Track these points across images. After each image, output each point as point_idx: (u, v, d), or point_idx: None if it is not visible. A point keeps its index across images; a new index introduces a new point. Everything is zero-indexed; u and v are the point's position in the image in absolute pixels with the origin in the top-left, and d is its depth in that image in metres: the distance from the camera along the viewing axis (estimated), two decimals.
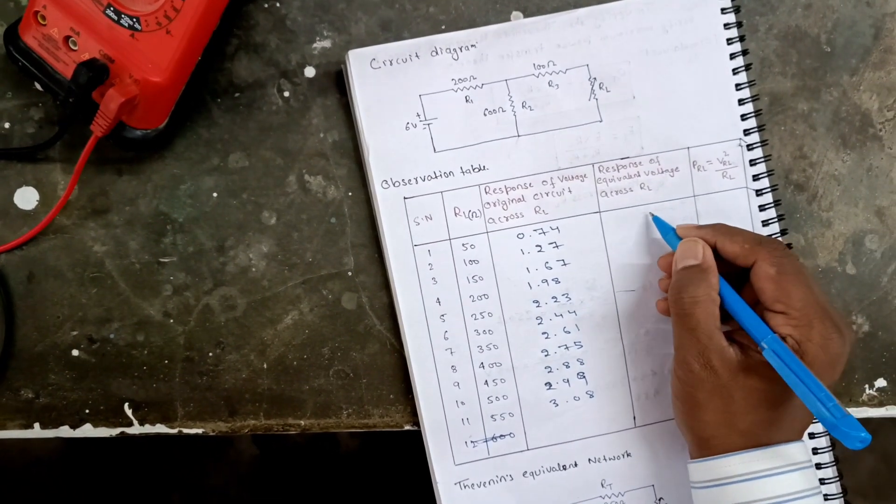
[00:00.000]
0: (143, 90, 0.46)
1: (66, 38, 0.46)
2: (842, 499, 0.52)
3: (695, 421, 0.46)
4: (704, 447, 0.46)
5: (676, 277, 0.47)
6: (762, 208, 0.52)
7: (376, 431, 0.52)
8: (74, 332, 0.51)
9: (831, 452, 0.52)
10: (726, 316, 0.46)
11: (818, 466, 0.52)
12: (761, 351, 0.44)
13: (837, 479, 0.52)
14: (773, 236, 0.52)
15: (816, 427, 0.52)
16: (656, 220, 0.51)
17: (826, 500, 0.52)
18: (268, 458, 1.22)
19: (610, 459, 0.52)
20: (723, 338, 0.45)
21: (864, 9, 0.53)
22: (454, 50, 0.50)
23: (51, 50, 0.47)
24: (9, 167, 0.50)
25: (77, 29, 0.45)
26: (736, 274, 0.47)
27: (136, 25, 0.45)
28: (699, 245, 0.47)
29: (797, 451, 0.45)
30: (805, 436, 0.51)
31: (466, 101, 0.50)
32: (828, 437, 0.52)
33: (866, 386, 0.54)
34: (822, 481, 0.52)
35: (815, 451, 0.52)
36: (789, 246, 0.52)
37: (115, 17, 0.45)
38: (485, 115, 0.51)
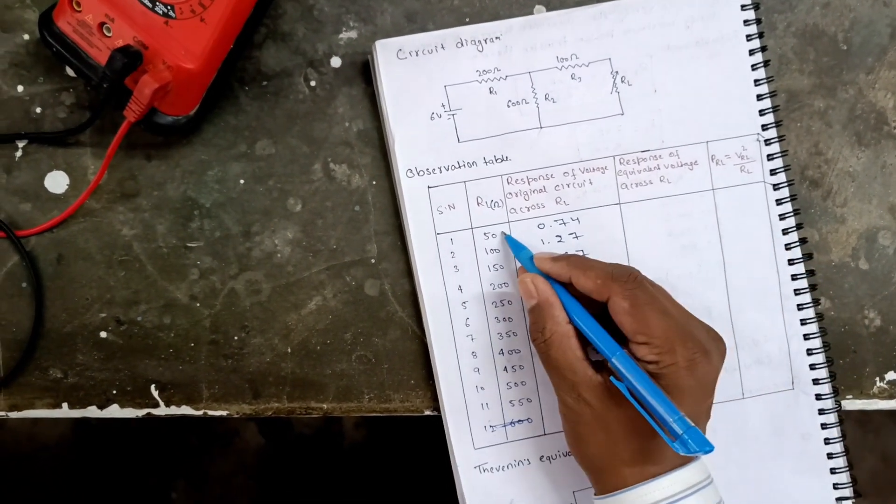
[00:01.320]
0: (176, 77, 0.47)
1: (101, 25, 0.47)
2: (851, 488, 0.53)
3: (582, 455, 0.47)
4: (599, 481, 0.46)
5: (529, 320, 0.48)
6: (778, 202, 0.53)
7: (381, 424, 0.53)
8: (102, 314, 0.52)
9: (841, 443, 0.53)
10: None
11: (829, 457, 0.53)
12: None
13: (847, 469, 0.53)
14: (788, 231, 0.53)
15: (828, 417, 0.53)
16: (510, 240, 0.51)
17: (835, 489, 0.53)
18: (273, 447, 1.23)
19: None
20: (588, 367, 0.45)
21: (881, 9, 0.54)
22: (479, 42, 0.51)
23: (85, 36, 0.47)
24: (40, 151, 0.51)
25: (112, 15, 0.46)
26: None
27: (171, 13, 0.46)
28: (529, 284, 0.47)
29: (691, 474, 0.44)
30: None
31: (490, 92, 0.51)
32: (838, 427, 0.53)
33: (877, 378, 0.55)
34: (832, 471, 0.53)
35: (826, 441, 0.53)
36: (804, 241, 0.53)
37: (150, 5, 0.46)
38: (508, 106, 0.51)
